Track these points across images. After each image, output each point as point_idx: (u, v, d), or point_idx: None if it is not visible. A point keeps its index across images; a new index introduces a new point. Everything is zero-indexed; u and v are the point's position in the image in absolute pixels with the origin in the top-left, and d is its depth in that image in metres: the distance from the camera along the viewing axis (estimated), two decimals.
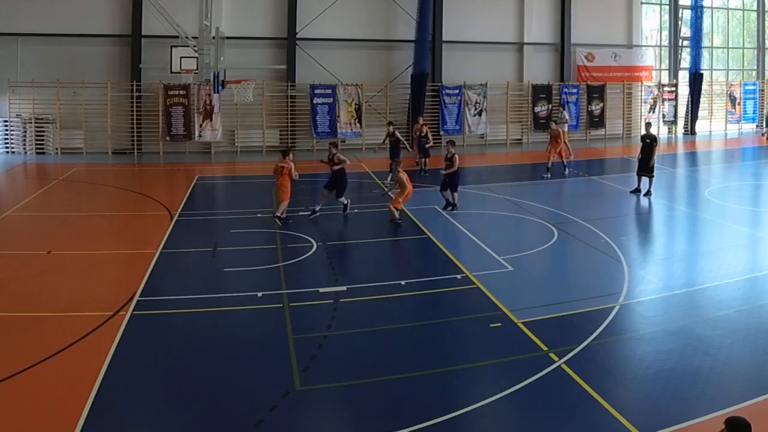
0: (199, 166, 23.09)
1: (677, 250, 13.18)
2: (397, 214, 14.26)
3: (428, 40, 26.93)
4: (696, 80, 31.98)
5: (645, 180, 17.50)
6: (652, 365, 7.74)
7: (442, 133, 28.04)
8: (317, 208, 15.03)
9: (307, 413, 6.81)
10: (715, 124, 34.13)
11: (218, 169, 23.13)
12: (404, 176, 14.56)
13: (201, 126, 25.23)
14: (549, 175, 20.36)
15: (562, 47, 30.21)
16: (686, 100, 32.63)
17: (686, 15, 32.92)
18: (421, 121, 22.12)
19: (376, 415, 6.77)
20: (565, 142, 22.15)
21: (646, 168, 17.49)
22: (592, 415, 6.69)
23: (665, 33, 33.65)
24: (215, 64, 18.06)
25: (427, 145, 21.05)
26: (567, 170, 21.27)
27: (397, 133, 20.04)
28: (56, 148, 24.58)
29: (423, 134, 21.07)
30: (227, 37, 20.25)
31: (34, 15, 23.98)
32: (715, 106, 34.23)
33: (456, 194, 15.70)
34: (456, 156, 15.77)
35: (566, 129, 24.12)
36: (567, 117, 27.39)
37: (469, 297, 10.17)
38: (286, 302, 9.77)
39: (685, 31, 33.06)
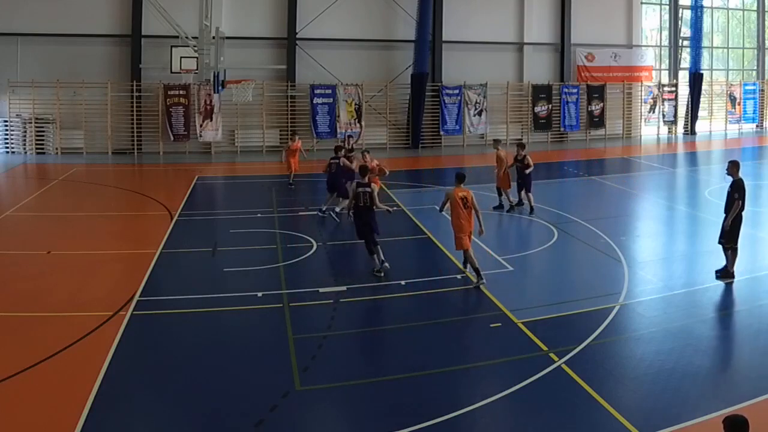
0: (199, 166, 23.08)
1: (677, 250, 13.19)
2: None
3: (428, 40, 26.93)
4: (696, 80, 31.98)
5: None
6: (652, 365, 7.74)
7: (442, 133, 28.09)
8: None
9: (307, 413, 6.81)
10: (715, 124, 34.13)
11: (218, 169, 23.13)
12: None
13: (201, 126, 25.23)
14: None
15: (562, 47, 30.21)
16: (686, 100, 32.65)
17: (686, 15, 32.92)
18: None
19: (376, 415, 6.77)
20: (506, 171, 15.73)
21: None
22: (592, 415, 6.68)
23: (665, 33, 33.65)
24: (215, 64, 18.05)
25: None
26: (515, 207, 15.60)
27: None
28: (56, 148, 24.58)
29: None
30: (227, 37, 20.24)
31: (34, 15, 23.97)
32: (715, 106, 34.23)
33: None
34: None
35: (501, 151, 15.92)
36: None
37: (469, 297, 10.19)
38: (286, 302, 9.77)
39: (685, 31, 33.06)
